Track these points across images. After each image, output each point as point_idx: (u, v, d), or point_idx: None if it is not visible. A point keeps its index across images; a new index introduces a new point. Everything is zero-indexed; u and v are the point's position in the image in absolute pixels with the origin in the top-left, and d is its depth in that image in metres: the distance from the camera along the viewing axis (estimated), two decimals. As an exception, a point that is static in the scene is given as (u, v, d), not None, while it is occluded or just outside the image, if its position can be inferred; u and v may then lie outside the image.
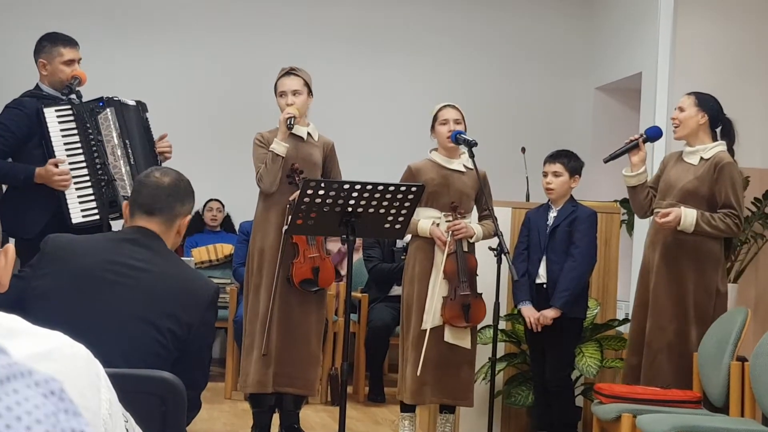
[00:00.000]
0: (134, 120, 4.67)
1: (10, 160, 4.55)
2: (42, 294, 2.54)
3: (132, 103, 4.70)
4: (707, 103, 4.81)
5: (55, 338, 1.26)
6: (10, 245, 1.37)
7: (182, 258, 6.04)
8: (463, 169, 5.07)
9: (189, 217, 2.80)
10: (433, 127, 5.09)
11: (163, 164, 4.69)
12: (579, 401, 5.45)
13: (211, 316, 2.69)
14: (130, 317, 2.53)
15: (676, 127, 4.85)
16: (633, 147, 4.91)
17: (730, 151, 4.81)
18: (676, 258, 4.72)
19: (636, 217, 7.10)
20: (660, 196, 4.87)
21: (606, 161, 5.00)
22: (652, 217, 4.92)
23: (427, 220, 4.98)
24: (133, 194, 2.78)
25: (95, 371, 1.29)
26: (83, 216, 4.41)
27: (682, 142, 4.93)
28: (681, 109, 4.83)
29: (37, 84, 4.66)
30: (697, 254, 4.69)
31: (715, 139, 4.83)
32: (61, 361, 1.23)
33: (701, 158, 4.76)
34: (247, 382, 4.90)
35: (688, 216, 4.63)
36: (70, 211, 4.43)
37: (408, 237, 5.19)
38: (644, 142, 4.92)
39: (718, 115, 4.83)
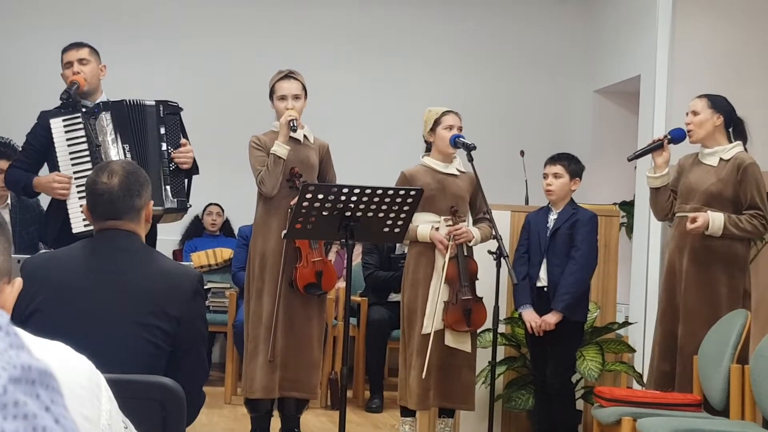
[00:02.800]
0: (148, 121, 4.57)
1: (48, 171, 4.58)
2: (29, 315, 2.52)
3: (150, 103, 4.60)
4: (720, 104, 4.81)
5: (57, 349, 1.26)
6: (20, 279, 1.37)
7: (182, 262, 6.05)
8: (457, 173, 5.08)
9: (151, 201, 2.75)
10: (433, 130, 5.09)
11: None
12: (579, 405, 5.44)
13: (197, 304, 2.65)
14: (117, 322, 2.51)
15: (690, 131, 4.84)
16: (657, 147, 4.92)
17: (745, 150, 4.81)
18: (705, 262, 4.70)
19: (635, 220, 7.13)
20: (682, 200, 4.85)
21: (630, 159, 5.03)
22: (676, 221, 4.91)
23: (426, 224, 4.98)
24: (89, 204, 2.71)
25: (96, 382, 1.29)
26: (84, 225, 4.33)
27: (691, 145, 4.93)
28: (695, 113, 4.82)
29: None
30: (726, 257, 4.69)
31: (730, 139, 4.83)
32: (62, 372, 1.23)
33: (721, 159, 4.76)
34: (254, 387, 4.88)
35: (716, 220, 4.63)
36: (72, 219, 4.39)
37: (407, 244, 5.19)
38: (668, 143, 4.92)
39: (731, 115, 4.83)
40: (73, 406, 1.23)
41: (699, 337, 4.64)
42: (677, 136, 4.96)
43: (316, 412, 6.26)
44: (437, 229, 4.98)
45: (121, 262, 2.61)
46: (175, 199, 4.57)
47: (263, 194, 4.92)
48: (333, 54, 8.34)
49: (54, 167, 4.50)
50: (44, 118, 4.54)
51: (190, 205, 4.71)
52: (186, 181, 4.66)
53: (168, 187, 4.54)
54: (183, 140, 4.64)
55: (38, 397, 0.92)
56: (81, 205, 4.34)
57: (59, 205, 4.48)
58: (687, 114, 4.89)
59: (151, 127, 4.57)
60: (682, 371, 4.69)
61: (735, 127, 4.85)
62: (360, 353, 6.82)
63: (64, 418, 0.94)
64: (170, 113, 4.64)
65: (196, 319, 2.64)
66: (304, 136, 5.02)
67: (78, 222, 4.38)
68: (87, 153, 4.46)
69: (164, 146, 4.59)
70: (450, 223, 4.96)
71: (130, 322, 2.52)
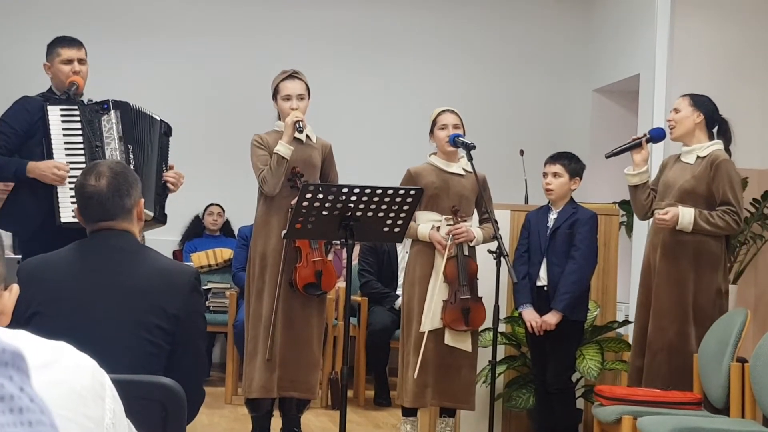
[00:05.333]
0: (153, 131, 4.60)
1: (17, 156, 4.53)
2: (29, 318, 2.52)
3: (157, 117, 4.65)
4: (702, 103, 4.84)
5: (60, 348, 1.27)
6: (16, 285, 1.37)
7: (182, 263, 6.05)
8: (463, 173, 5.09)
9: (142, 200, 2.74)
10: (432, 131, 5.12)
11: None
12: (579, 403, 5.44)
13: (195, 300, 2.64)
14: (115, 323, 2.50)
15: (672, 128, 4.88)
16: (636, 146, 4.96)
17: (727, 151, 4.83)
18: (676, 258, 4.72)
19: (635, 219, 7.12)
20: (659, 197, 4.89)
21: (607, 156, 5.04)
22: (652, 219, 4.94)
23: (426, 224, 5.00)
24: (80, 207, 2.70)
25: (100, 381, 1.30)
26: (73, 216, 4.34)
27: (679, 145, 4.95)
28: (676, 110, 4.87)
29: (50, 87, 4.66)
30: (697, 254, 4.70)
31: (711, 138, 4.85)
32: (65, 371, 1.23)
33: (698, 157, 4.78)
34: (252, 387, 4.90)
35: (686, 215, 4.64)
36: (60, 209, 4.34)
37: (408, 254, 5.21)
38: (647, 142, 4.95)
39: (713, 115, 4.85)
40: (76, 406, 1.23)
41: (667, 333, 4.69)
42: (656, 135, 5.01)
43: (317, 412, 6.26)
44: (438, 228, 4.99)
45: (116, 262, 2.61)
46: (161, 211, 4.61)
47: (264, 193, 4.92)
48: (333, 54, 8.34)
49: (29, 154, 4.42)
50: (32, 102, 4.49)
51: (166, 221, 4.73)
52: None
53: (158, 197, 4.59)
54: (171, 163, 4.69)
55: (11, 378, 0.93)
56: (72, 201, 4.34)
57: (37, 198, 4.39)
58: (670, 112, 4.93)
59: (154, 137, 4.63)
60: (648, 366, 4.72)
61: (719, 128, 4.87)
62: (360, 353, 6.83)
63: (37, 398, 0.95)
64: (166, 133, 4.71)
65: (195, 316, 2.64)
66: (307, 135, 5.02)
67: (67, 212, 4.34)
68: (81, 146, 4.45)
69: (160, 160, 4.65)
70: (451, 222, 4.97)
71: (128, 321, 2.51)
